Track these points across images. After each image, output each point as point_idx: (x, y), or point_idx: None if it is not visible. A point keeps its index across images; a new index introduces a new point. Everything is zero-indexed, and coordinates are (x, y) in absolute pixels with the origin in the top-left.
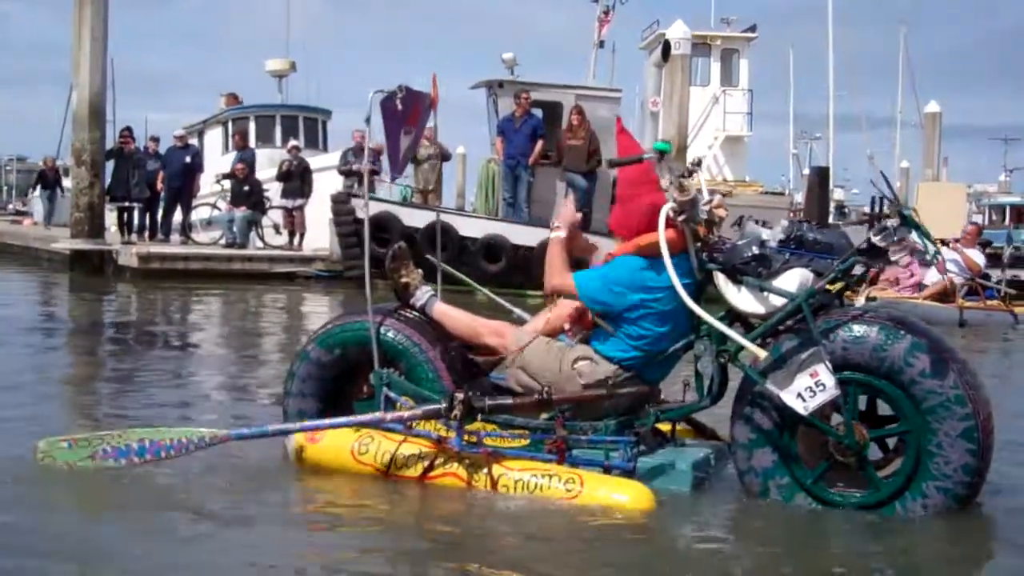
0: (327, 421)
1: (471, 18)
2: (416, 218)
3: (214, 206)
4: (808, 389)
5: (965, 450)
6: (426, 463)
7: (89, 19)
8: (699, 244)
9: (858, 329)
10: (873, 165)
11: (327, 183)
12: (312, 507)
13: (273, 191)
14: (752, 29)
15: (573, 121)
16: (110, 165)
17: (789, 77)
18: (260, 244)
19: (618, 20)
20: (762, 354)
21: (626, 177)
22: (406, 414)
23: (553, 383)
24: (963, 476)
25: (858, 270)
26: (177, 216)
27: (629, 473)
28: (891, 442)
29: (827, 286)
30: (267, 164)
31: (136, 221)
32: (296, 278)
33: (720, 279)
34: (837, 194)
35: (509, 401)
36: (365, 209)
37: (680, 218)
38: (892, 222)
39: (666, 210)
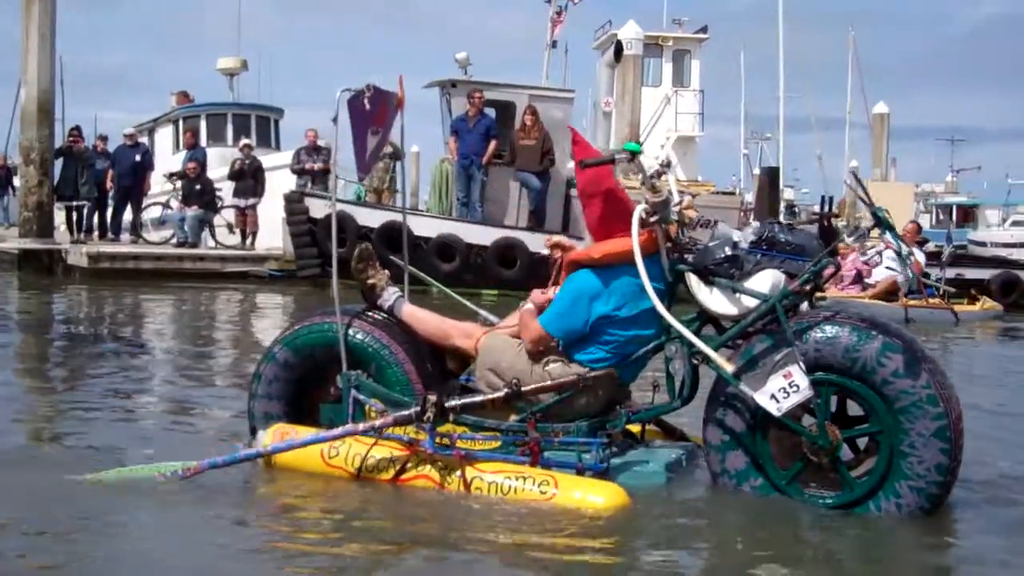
0: (299, 440)
1: (425, 18)
2: (370, 218)
3: (166, 205)
4: (782, 390)
5: (938, 449)
6: (398, 466)
7: (37, 17)
8: (669, 245)
9: (830, 330)
10: (822, 165)
11: (280, 182)
12: (281, 511)
13: (225, 190)
14: (704, 30)
15: (526, 121)
16: (59, 164)
17: (740, 78)
18: (212, 243)
19: (571, 20)
20: (729, 367)
21: (581, 183)
22: (378, 423)
23: (516, 378)
24: (936, 475)
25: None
26: (127, 215)
27: (602, 474)
28: (862, 442)
29: (800, 287)
30: (219, 163)
31: (85, 220)
32: (249, 277)
33: (692, 280)
34: (787, 194)
35: (480, 398)
36: (332, 208)
37: (652, 219)
38: (865, 223)
39: (639, 212)
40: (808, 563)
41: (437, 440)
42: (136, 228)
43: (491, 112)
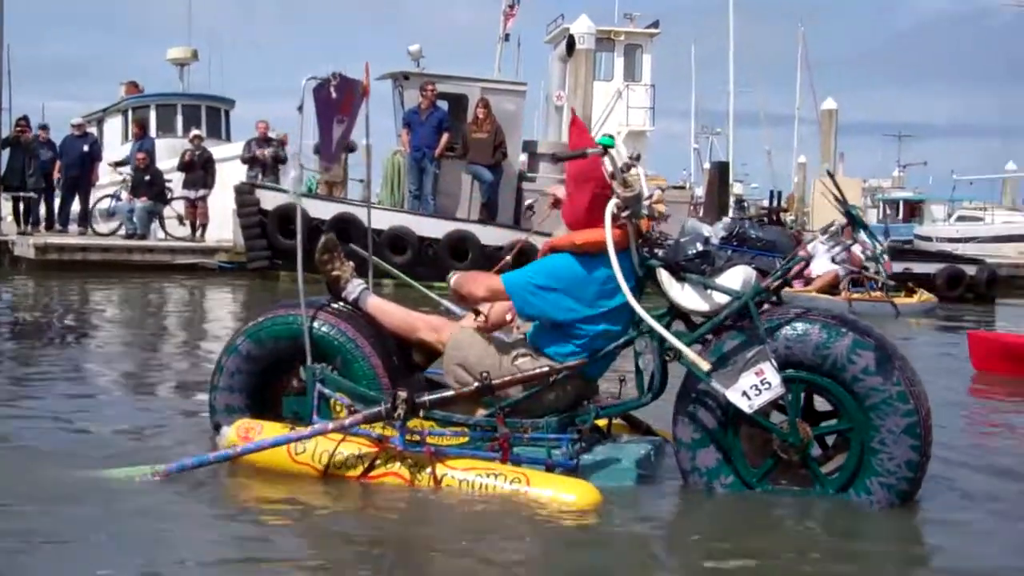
0: (268, 440)
1: (378, 9)
2: (322, 210)
3: (114, 196)
4: (753, 387)
5: (908, 446)
6: (367, 463)
7: None
8: (640, 240)
9: (801, 327)
10: (771, 160)
11: (230, 174)
12: (244, 510)
13: (175, 181)
14: (655, 25)
15: (479, 114)
16: (6, 154)
17: (691, 73)
18: (162, 235)
19: (523, 14)
20: (705, 365)
21: (572, 170)
22: (347, 421)
23: (486, 372)
24: (907, 472)
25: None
26: (75, 206)
27: (572, 471)
28: (830, 438)
29: (768, 283)
30: (168, 154)
31: (32, 211)
32: (198, 270)
33: (663, 276)
34: (737, 188)
35: (450, 393)
36: (297, 200)
37: (624, 214)
38: (838, 221)
39: (611, 207)
40: (781, 558)
41: (407, 437)
42: (85, 219)
43: (443, 105)
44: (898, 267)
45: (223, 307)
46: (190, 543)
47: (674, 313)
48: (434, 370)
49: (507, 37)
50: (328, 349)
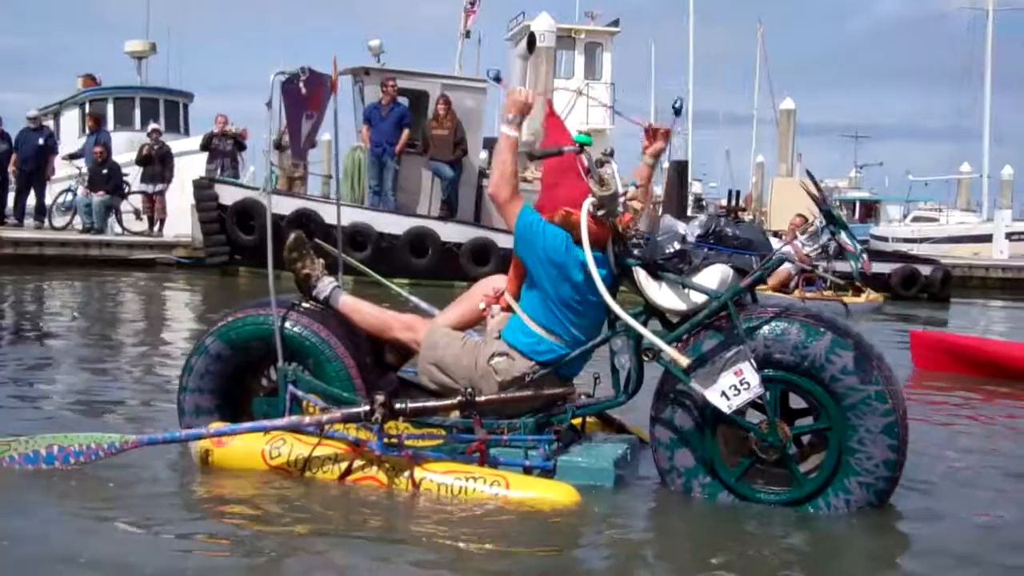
0: (244, 426)
1: (339, 4)
2: (281, 205)
3: (70, 191)
4: (732, 387)
5: (887, 446)
6: (344, 466)
7: None
8: (616, 238)
9: (779, 327)
10: (729, 160)
11: (188, 168)
12: (218, 515)
13: (132, 175)
14: (615, 23)
15: (439, 111)
16: None
17: (651, 72)
18: (119, 230)
19: (484, 11)
20: (684, 361)
21: (551, 164)
22: (324, 418)
23: (468, 380)
24: (885, 471)
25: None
26: (31, 200)
27: (549, 472)
28: (806, 437)
29: (747, 282)
30: (126, 147)
31: None
32: (156, 265)
33: (640, 275)
34: (695, 187)
35: (432, 403)
36: (267, 197)
37: (600, 213)
38: (819, 221)
39: (587, 206)
40: (759, 559)
41: (385, 440)
42: (41, 213)
43: (404, 101)
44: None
45: (181, 303)
46: (157, 550)
47: (650, 312)
48: (407, 369)
49: (468, 34)
50: (300, 349)
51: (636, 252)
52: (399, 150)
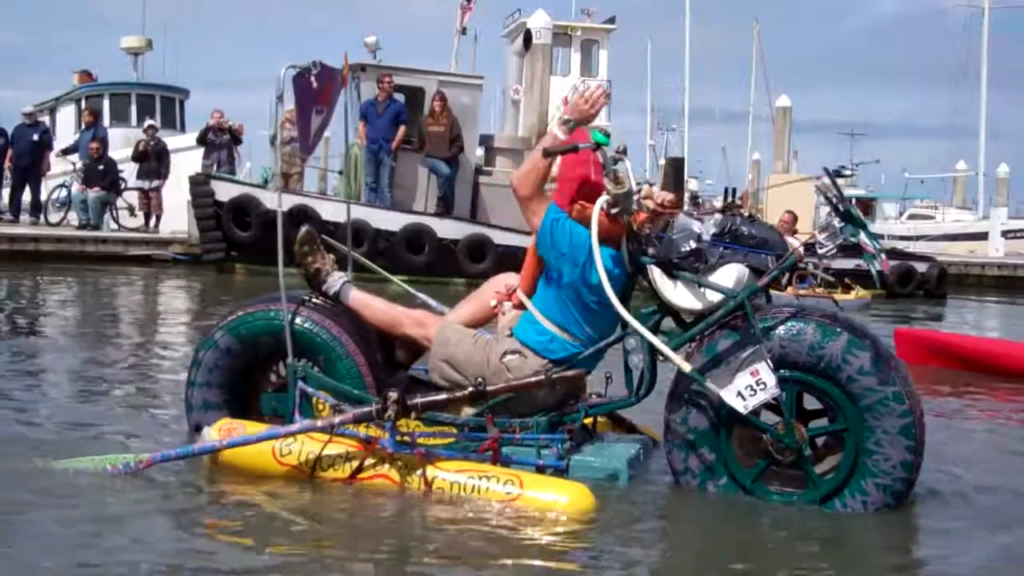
0: (257, 435)
1: (335, 1)
2: (277, 201)
3: (64, 186)
4: (748, 388)
5: (904, 447)
6: (355, 465)
7: None
8: (630, 236)
9: (795, 327)
10: (726, 157)
11: (185, 164)
12: (229, 513)
13: (128, 171)
14: (611, 21)
15: (435, 107)
16: None
17: (647, 69)
18: (115, 226)
19: (480, 8)
20: (686, 367)
21: (567, 160)
22: (337, 420)
23: (480, 377)
24: (902, 472)
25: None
26: (26, 196)
27: (562, 471)
28: (819, 439)
29: (764, 282)
30: (122, 144)
31: None
32: (152, 261)
33: (656, 274)
34: (692, 184)
35: (443, 397)
36: (278, 194)
37: (614, 211)
38: (837, 220)
39: (600, 204)
40: (775, 559)
41: (397, 438)
42: (36, 209)
43: (400, 97)
44: (849, 264)
45: (178, 299)
46: (167, 548)
47: (664, 310)
48: (417, 367)
49: (464, 31)
50: (310, 345)
51: (651, 250)
52: (395, 147)
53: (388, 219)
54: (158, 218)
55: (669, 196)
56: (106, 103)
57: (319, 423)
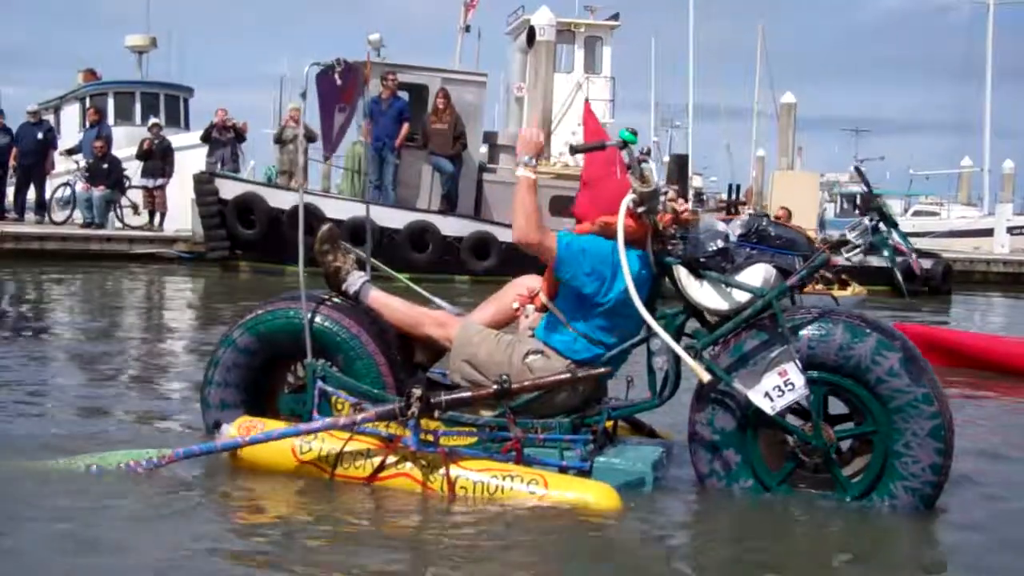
0: (276, 431)
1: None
2: (281, 199)
3: (69, 185)
4: (776, 388)
5: (933, 449)
6: (377, 463)
7: None
8: (655, 236)
9: (823, 327)
10: (730, 153)
11: (189, 162)
12: (249, 510)
13: (133, 170)
14: (615, 17)
15: (439, 105)
16: None
17: (651, 66)
18: (119, 224)
19: (484, 5)
20: (705, 377)
21: (593, 160)
22: (359, 417)
23: (505, 375)
24: (931, 475)
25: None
26: (31, 194)
27: (585, 473)
28: (845, 442)
29: (793, 281)
30: (127, 142)
31: None
32: (157, 259)
33: (682, 274)
34: (696, 181)
35: (467, 394)
36: (300, 191)
37: (640, 210)
38: (868, 219)
39: (627, 202)
40: (802, 561)
41: (421, 436)
42: (41, 208)
43: (404, 95)
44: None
45: (183, 297)
46: (188, 548)
47: (689, 311)
48: (436, 370)
49: (468, 28)
50: (330, 345)
51: (677, 250)
52: (399, 144)
53: (392, 217)
54: (162, 216)
55: (688, 206)
56: (110, 101)
57: (341, 421)
